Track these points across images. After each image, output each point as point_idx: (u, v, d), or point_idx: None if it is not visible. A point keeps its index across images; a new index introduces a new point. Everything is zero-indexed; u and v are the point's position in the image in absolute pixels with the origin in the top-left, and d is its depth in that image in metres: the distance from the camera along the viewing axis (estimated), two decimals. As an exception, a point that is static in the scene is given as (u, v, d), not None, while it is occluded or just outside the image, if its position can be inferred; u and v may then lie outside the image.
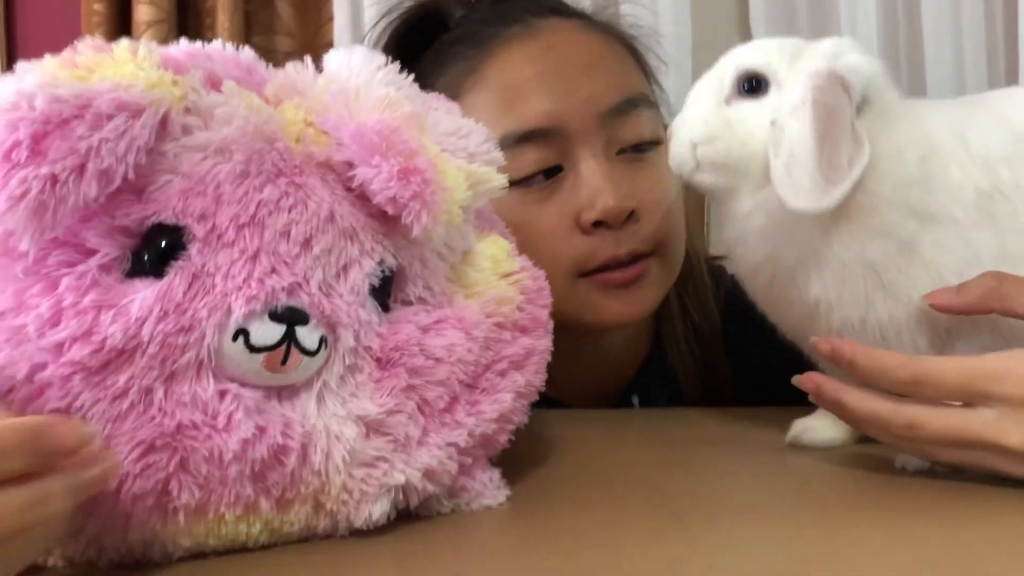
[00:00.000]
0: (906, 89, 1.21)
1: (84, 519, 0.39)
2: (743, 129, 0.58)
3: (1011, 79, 1.22)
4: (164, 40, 1.71)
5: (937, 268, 0.54)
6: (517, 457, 0.53)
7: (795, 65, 0.57)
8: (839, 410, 0.51)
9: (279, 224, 0.41)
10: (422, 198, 0.42)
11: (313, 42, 1.79)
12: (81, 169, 0.37)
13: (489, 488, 0.49)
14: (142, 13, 1.59)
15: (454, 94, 0.75)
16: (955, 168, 0.54)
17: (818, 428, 0.62)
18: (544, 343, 0.52)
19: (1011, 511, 0.45)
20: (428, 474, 0.45)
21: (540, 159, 0.72)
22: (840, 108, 0.54)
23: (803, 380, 0.53)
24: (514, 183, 0.69)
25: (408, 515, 0.46)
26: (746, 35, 1.30)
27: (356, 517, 0.43)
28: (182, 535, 0.41)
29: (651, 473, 0.57)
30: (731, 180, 0.59)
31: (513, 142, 0.71)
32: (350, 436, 0.42)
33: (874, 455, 0.56)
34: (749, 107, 0.58)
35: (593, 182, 0.72)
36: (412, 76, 0.49)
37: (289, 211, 0.41)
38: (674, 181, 0.64)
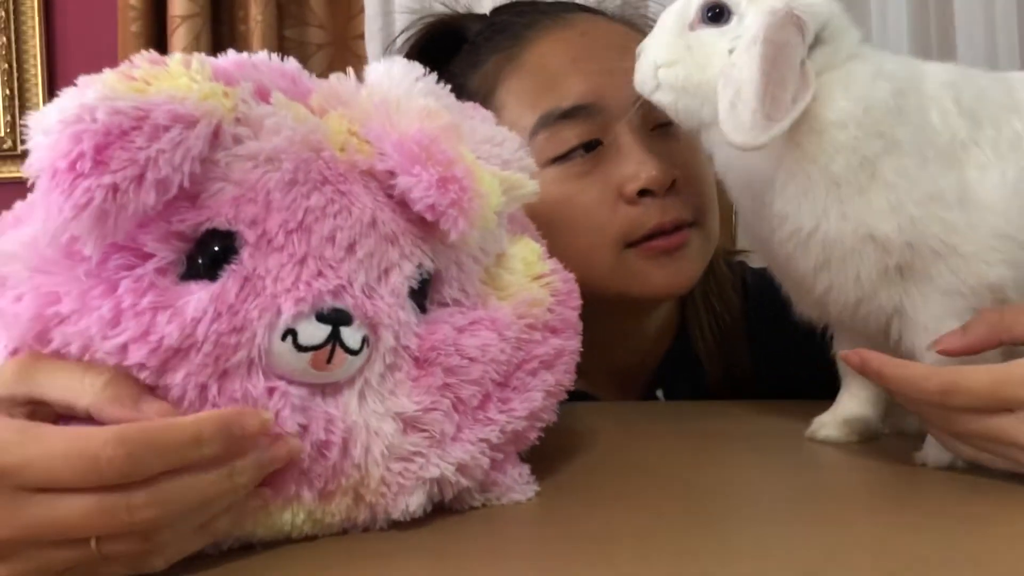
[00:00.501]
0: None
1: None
2: (703, 54, 0.60)
3: None
4: (197, 33, 1.74)
5: (897, 194, 0.55)
6: (546, 451, 0.55)
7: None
8: (879, 378, 0.53)
9: (325, 230, 0.43)
10: (459, 205, 0.44)
11: (344, 34, 1.81)
12: (140, 179, 0.39)
13: (519, 483, 0.51)
14: (176, 7, 1.62)
15: (493, 83, 0.78)
16: (935, 113, 0.56)
17: (832, 424, 0.64)
18: (573, 344, 0.54)
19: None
20: (461, 468, 0.47)
21: (580, 134, 0.75)
22: (790, 46, 0.56)
23: (849, 356, 0.54)
24: (556, 159, 0.73)
25: (442, 509, 0.48)
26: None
27: (394, 509, 0.45)
28: (237, 525, 0.43)
29: (679, 469, 0.59)
30: (691, 103, 0.62)
31: (554, 120, 0.74)
32: (388, 432, 0.44)
33: (895, 451, 0.58)
34: (710, 34, 0.60)
35: (635, 153, 0.74)
36: (446, 84, 0.51)
37: (335, 217, 0.44)
38: (704, 157, 0.67)
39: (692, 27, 0.61)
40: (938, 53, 1.22)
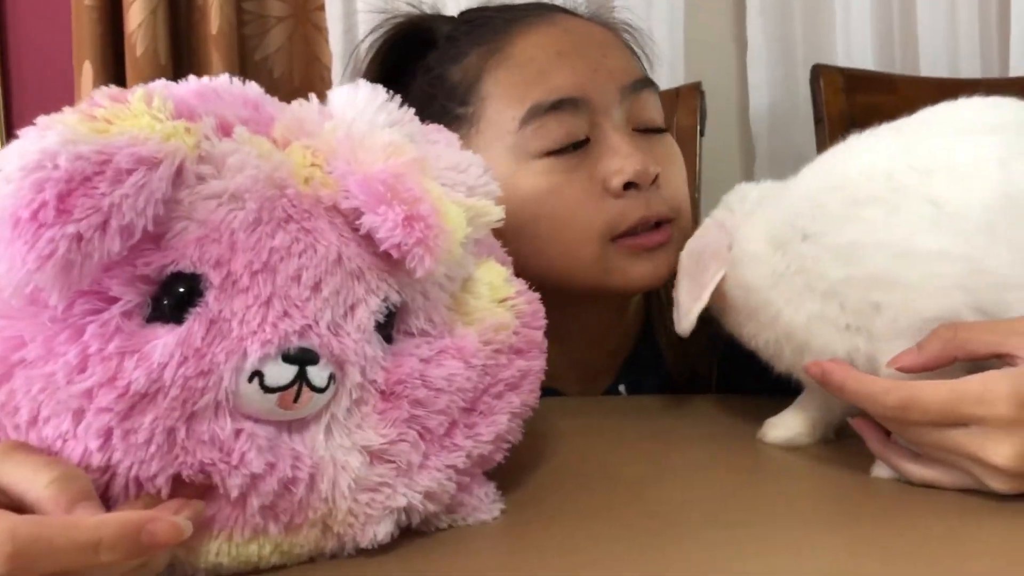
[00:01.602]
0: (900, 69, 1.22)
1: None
2: None
3: (1003, 58, 1.22)
4: (154, 7, 1.69)
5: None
6: (511, 458, 0.56)
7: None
8: (840, 392, 0.55)
9: (290, 269, 0.43)
10: (425, 243, 0.44)
11: (305, 5, 1.78)
12: (104, 226, 0.39)
13: (485, 503, 0.52)
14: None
15: (477, 74, 0.79)
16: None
17: (783, 426, 0.66)
18: (539, 363, 0.55)
19: (976, 524, 0.49)
20: (428, 495, 0.48)
21: (569, 130, 0.75)
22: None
23: (811, 367, 0.57)
24: (544, 153, 0.75)
25: (408, 531, 0.49)
26: (741, 30, 1.29)
27: (362, 538, 0.46)
28: (196, 556, 0.44)
29: (643, 474, 0.61)
30: None
31: (543, 112, 0.75)
32: (355, 465, 0.45)
33: (846, 456, 0.60)
34: None
35: (621, 148, 0.76)
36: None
37: (300, 256, 0.44)
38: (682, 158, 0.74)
39: None
40: (901, 63, 1.23)
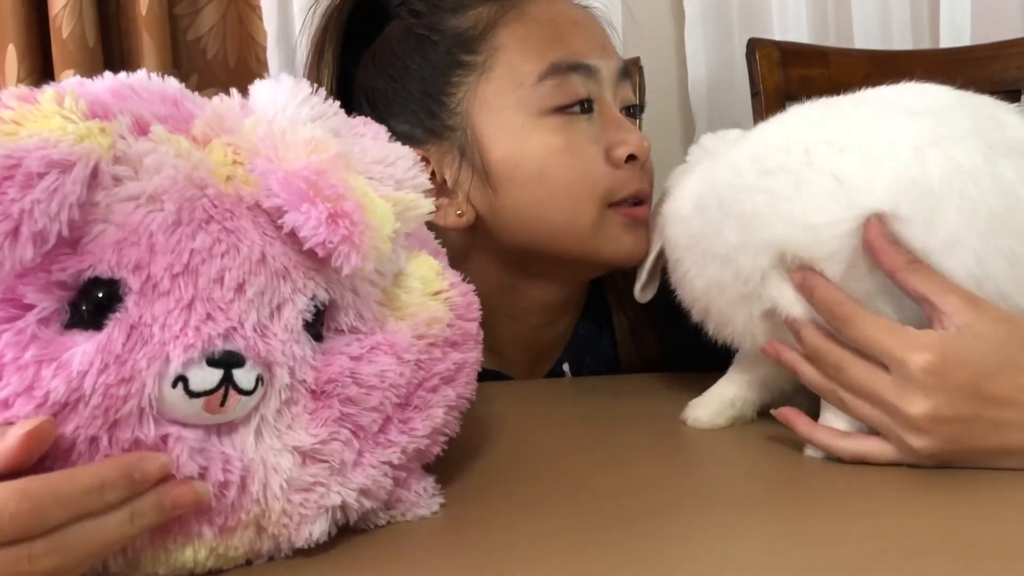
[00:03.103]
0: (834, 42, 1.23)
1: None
2: None
3: (933, 31, 1.23)
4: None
5: None
6: (452, 449, 0.56)
7: None
8: (809, 295, 0.57)
9: (212, 271, 0.43)
10: (350, 240, 0.44)
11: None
12: (15, 233, 0.38)
13: (423, 498, 0.52)
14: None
15: (491, 23, 0.80)
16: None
17: (703, 407, 0.68)
18: (475, 355, 0.55)
19: (906, 498, 0.50)
20: (364, 492, 0.48)
21: (582, 93, 0.78)
22: None
23: (793, 275, 0.58)
24: (559, 108, 0.77)
25: (346, 529, 0.49)
26: (678, 5, 1.29)
27: (297, 538, 0.46)
28: (132, 566, 0.43)
29: (582, 462, 0.61)
30: None
31: (565, 69, 0.78)
32: (286, 466, 0.45)
33: (782, 436, 0.61)
34: None
35: (623, 122, 0.80)
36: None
37: (222, 257, 0.43)
38: None
39: None
40: (835, 36, 1.24)
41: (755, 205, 0.58)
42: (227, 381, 0.42)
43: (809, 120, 0.62)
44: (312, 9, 0.88)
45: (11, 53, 1.15)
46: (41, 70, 1.16)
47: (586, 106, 0.78)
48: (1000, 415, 0.51)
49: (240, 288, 0.43)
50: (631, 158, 0.78)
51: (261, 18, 1.21)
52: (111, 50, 1.19)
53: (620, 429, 0.70)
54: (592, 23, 0.84)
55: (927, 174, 0.54)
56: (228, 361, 0.42)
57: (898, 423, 0.53)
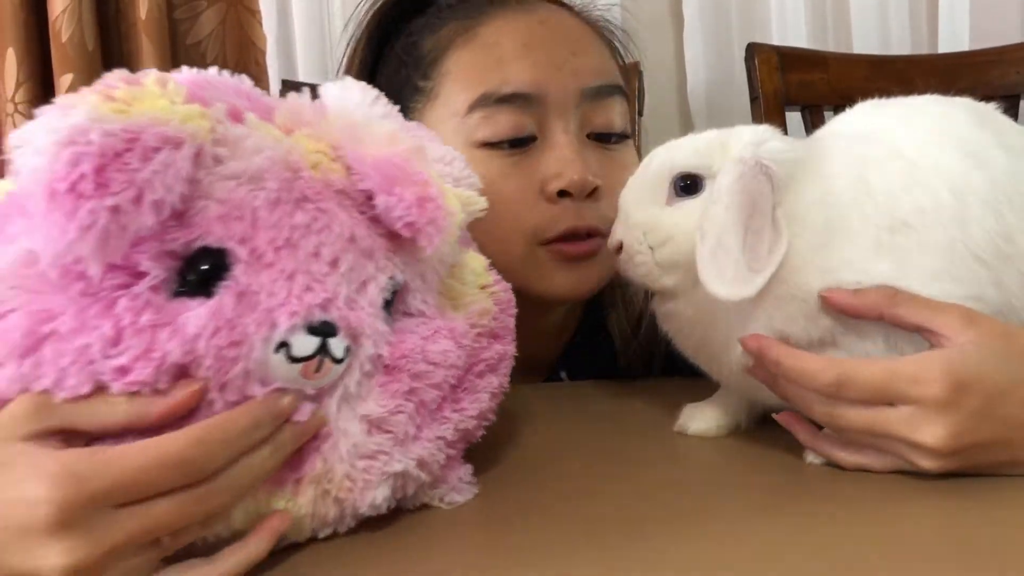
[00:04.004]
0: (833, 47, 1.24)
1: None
2: (688, 227, 0.59)
3: (932, 36, 1.27)
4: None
5: None
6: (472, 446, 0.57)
7: (724, 156, 0.59)
8: (776, 367, 0.55)
9: (310, 246, 0.46)
10: (436, 223, 0.48)
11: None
12: (139, 199, 0.40)
13: (462, 483, 0.55)
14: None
15: (444, 49, 0.78)
16: (856, 218, 0.56)
17: (700, 417, 0.67)
18: (512, 349, 0.58)
19: (906, 504, 0.50)
20: (420, 463, 0.50)
21: (516, 125, 0.75)
22: (762, 195, 0.56)
23: (748, 340, 0.56)
24: (486, 144, 0.74)
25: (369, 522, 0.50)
26: (677, 9, 1.30)
27: (361, 503, 0.48)
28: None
29: (580, 467, 0.61)
30: (686, 279, 0.60)
31: (492, 102, 0.75)
32: (355, 432, 0.47)
33: (785, 448, 0.60)
34: (690, 205, 0.60)
35: (564, 153, 0.75)
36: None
37: (318, 233, 0.46)
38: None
39: (669, 203, 0.62)
40: (834, 41, 1.27)
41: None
42: (323, 349, 0.45)
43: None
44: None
45: (10, 57, 1.14)
46: (40, 74, 1.16)
47: (517, 141, 0.75)
48: (1013, 435, 0.51)
49: (334, 263, 0.46)
50: (565, 193, 0.75)
51: (260, 23, 1.23)
52: (110, 54, 1.19)
53: (619, 433, 0.70)
54: (558, 40, 0.78)
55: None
56: (325, 330, 0.45)
57: (912, 452, 0.52)
